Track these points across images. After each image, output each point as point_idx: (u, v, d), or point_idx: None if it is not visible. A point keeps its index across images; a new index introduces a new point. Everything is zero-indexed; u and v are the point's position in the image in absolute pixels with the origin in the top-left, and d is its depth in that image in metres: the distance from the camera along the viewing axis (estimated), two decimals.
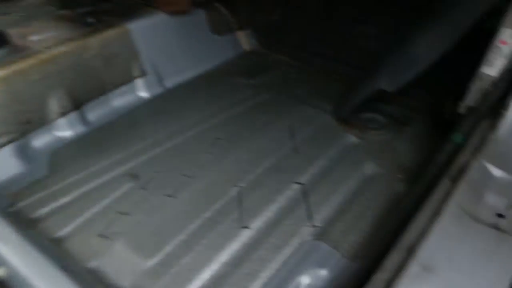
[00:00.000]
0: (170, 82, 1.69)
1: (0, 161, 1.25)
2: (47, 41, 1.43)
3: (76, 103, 1.44)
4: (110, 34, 1.52)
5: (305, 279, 0.92)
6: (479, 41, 1.16)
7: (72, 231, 1.06)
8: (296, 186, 1.16)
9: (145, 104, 1.59)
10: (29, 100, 1.33)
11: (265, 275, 0.93)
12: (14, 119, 1.30)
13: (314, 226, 1.04)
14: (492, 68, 1.14)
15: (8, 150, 1.28)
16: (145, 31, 1.61)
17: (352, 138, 1.33)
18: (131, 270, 0.95)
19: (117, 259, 0.98)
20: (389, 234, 0.80)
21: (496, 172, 0.87)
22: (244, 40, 2.00)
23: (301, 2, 1.91)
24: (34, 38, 1.47)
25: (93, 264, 0.96)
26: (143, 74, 1.61)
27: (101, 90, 1.51)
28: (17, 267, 0.83)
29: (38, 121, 1.36)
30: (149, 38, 1.63)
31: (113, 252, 1.00)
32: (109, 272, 0.95)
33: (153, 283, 0.92)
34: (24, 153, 1.31)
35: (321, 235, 1.02)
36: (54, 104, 1.39)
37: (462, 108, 1.20)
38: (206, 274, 0.94)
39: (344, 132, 1.36)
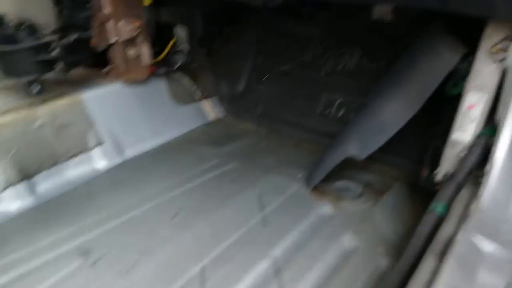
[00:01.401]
0: (130, 152, 1.60)
1: None
2: None
3: (24, 174, 1.32)
4: (61, 103, 1.45)
5: None
6: (448, 105, 1.15)
7: None
8: (266, 263, 1.04)
9: (102, 175, 1.47)
10: None
11: None
12: None
13: None
14: (465, 133, 1.12)
15: None
16: (100, 100, 1.55)
17: (326, 209, 1.25)
18: None
19: None
20: None
21: (487, 247, 0.79)
22: (209, 109, 1.96)
23: (266, 73, 1.91)
24: None
25: None
26: (99, 143, 1.52)
27: (53, 160, 1.40)
28: None
29: None
30: (105, 107, 1.56)
31: None
32: None
33: None
34: None
35: None
36: None
37: (439, 175, 1.15)
38: None
39: (317, 202, 1.27)
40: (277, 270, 1.02)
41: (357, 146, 1.23)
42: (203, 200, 1.30)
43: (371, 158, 1.22)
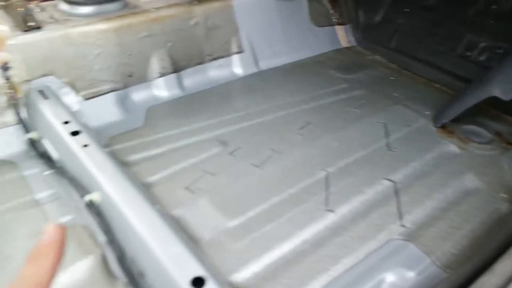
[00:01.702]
0: (264, 64, 1.69)
1: (102, 106, 1.31)
2: (156, 3, 1.48)
3: (175, 67, 1.48)
4: (214, 5, 1.55)
5: (389, 277, 0.87)
6: None
7: (160, 179, 1.08)
8: (387, 183, 1.10)
9: (238, 80, 1.60)
10: (135, 54, 1.38)
11: (347, 261, 0.89)
12: (120, 70, 1.35)
13: (403, 226, 0.98)
14: None
15: (110, 97, 1.34)
16: (247, 8, 1.63)
17: (452, 147, 1.25)
18: (213, 226, 0.95)
19: (200, 213, 0.98)
20: (489, 254, 0.73)
21: None
22: (342, 36, 1.96)
23: (407, 5, 1.84)
24: None
25: (177, 212, 0.97)
26: (240, 51, 1.63)
27: (200, 59, 1.54)
28: (110, 194, 0.86)
29: (140, 76, 1.41)
30: (250, 16, 1.64)
31: (197, 206, 1.00)
32: (191, 223, 0.95)
33: (233, 242, 0.91)
34: (124, 103, 1.36)
35: (411, 236, 0.95)
36: (155, 63, 1.43)
37: None
38: (286, 247, 0.91)
39: (443, 139, 1.28)
40: (396, 191, 1.08)
41: (501, 87, 1.18)
42: (330, 118, 1.37)
43: (506, 109, 1.18)
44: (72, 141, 0.99)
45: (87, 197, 0.88)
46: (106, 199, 0.87)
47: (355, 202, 1.04)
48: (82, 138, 1.00)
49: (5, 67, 1.15)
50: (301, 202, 1.02)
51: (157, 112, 1.37)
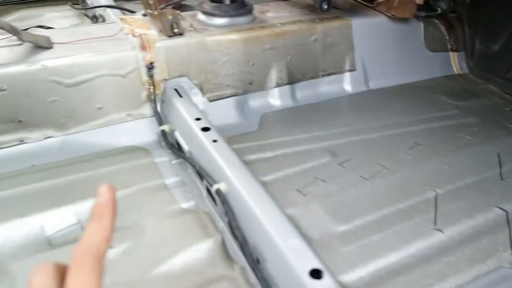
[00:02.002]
0: (373, 84, 1.73)
1: (223, 108, 1.44)
2: (281, 19, 1.60)
3: (291, 79, 1.58)
4: (334, 24, 1.63)
5: None
6: None
7: (274, 180, 1.17)
8: (499, 211, 1.09)
9: (347, 97, 1.66)
10: (257, 64, 1.50)
11: (454, 281, 0.90)
12: (242, 77, 1.48)
13: None
14: None
15: (231, 101, 1.47)
16: (364, 28, 1.68)
17: None
18: (322, 228, 1.01)
19: (311, 215, 1.05)
20: None
21: None
22: (455, 62, 1.94)
23: None
24: (270, 14, 1.65)
25: (289, 211, 1.05)
26: (352, 69, 1.69)
27: (314, 73, 1.63)
28: (235, 185, 0.95)
29: (259, 84, 1.53)
30: (366, 36, 1.69)
31: (308, 208, 1.07)
32: (302, 222, 1.02)
33: (342, 246, 0.97)
34: (242, 108, 1.48)
35: None
36: (274, 74, 1.54)
37: None
38: (392, 257, 0.95)
39: None
40: (508, 221, 1.06)
41: None
42: (439, 142, 1.37)
43: None
44: (203, 136, 1.11)
45: (215, 186, 0.99)
46: (232, 189, 0.97)
47: (464, 225, 1.04)
48: (212, 134, 1.12)
49: (150, 66, 1.32)
50: (409, 218, 1.05)
51: (270, 119, 1.47)
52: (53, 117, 1.26)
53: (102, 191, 0.45)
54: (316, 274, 0.75)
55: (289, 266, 0.78)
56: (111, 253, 0.94)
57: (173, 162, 1.23)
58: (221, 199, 0.97)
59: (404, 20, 1.76)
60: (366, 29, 1.68)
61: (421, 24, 1.83)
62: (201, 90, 1.41)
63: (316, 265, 0.76)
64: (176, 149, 1.23)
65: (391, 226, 1.02)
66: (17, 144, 1.23)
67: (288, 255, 0.79)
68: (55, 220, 1.02)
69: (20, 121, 1.22)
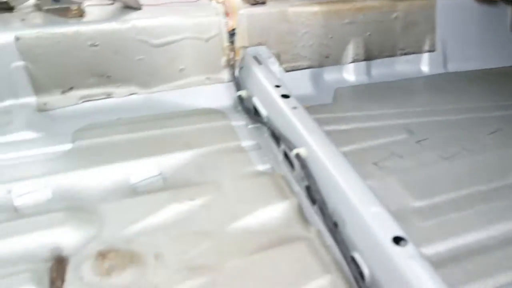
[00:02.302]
0: (452, 66, 1.68)
1: (298, 79, 1.45)
2: None
3: (367, 55, 1.56)
4: (418, 2, 1.58)
5: None
6: None
7: (349, 152, 1.18)
8: None
9: (424, 78, 1.62)
10: (335, 38, 1.49)
11: None
12: (319, 50, 1.48)
13: None
14: None
15: (306, 73, 1.47)
16: (449, 9, 1.63)
17: None
18: (399, 202, 1.01)
19: (387, 188, 1.05)
20: None
21: None
22: None
23: None
24: None
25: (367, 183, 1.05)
26: (431, 49, 1.64)
27: (391, 52, 1.60)
28: (316, 150, 0.97)
29: (335, 59, 1.52)
30: (450, 17, 1.64)
31: (385, 181, 1.07)
32: (378, 194, 1.01)
33: (419, 221, 0.96)
34: (317, 80, 1.48)
35: None
36: (351, 49, 1.53)
37: None
38: (471, 237, 0.93)
39: None
40: None
41: None
42: None
43: None
44: (283, 103, 1.13)
45: (295, 151, 1.01)
46: (312, 154, 0.98)
47: None
48: (291, 101, 1.13)
49: (232, 33, 1.34)
50: (490, 200, 1.02)
51: (344, 93, 1.47)
52: (138, 75, 1.32)
53: None
54: (399, 241, 0.75)
55: (371, 232, 0.78)
56: (192, 205, 0.99)
57: (249, 126, 1.25)
58: (300, 164, 0.99)
59: (491, 3, 1.68)
60: (451, 10, 1.62)
61: (509, 9, 1.74)
62: (278, 59, 1.42)
63: (399, 233, 0.77)
64: (252, 114, 1.26)
65: (471, 206, 1.00)
66: (105, 98, 1.30)
67: (370, 222, 0.80)
68: (139, 170, 1.08)
69: (108, 76, 1.29)
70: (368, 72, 1.56)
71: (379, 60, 1.58)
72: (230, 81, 1.37)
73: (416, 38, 1.60)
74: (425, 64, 1.64)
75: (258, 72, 1.27)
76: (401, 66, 1.61)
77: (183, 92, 1.35)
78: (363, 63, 1.55)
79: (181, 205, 0.99)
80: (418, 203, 1.01)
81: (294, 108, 1.11)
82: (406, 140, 1.23)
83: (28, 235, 0.90)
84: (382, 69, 1.58)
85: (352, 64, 1.53)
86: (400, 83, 1.56)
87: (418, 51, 1.62)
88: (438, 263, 0.88)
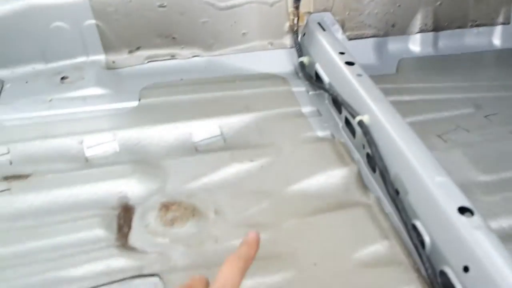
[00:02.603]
0: None
1: (361, 48, 1.42)
2: None
3: (436, 26, 1.50)
4: None
5: None
6: None
7: (412, 122, 1.09)
8: None
9: (495, 52, 1.54)
10: (403, 6, 1.44)
11: None
12: (385, 18, 1.43)
13: None
14: None
15: (370, 42, 1.44)
16: None
17: None
18: (463, 175, 0.99)
19: (452, 161, 1.03)
20: None
21: None
22: None
23: None
24: None
25: None
26: (506, 22, 1.55)
27: (462, 23, 1.52)
28: (380, 118, 0.96)
29: (401, 28, 1.47)
30: None
31: (449, 153, 1.05)
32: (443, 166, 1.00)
33: (483, 195, 0.94)
34: (380, 50, 1.45)
35: None
36: (418, 19, 1.47)
37: None
38: None
39: None
40: None
41: None
42: None
43: None
44: (347, 70, 1.11)
45: (358, 118, 1.00)
46: (375, 122, 0.97)
47: None
48: (356, 68, 1.11)
49: None
50: None
51: (409, 64, 1.43)
52: (202, 38, 1.34)
53: (251, 235, 0.59)
54: (464, 211, 0.74)
55: (435, 201, 0.77)
56: (251, 165, 1.01)
57: (310, 93, 1.25)
58: (362, 130, 0.98)
59: None
60: None
61: None
62: (342, 27, 1.40)
63: (465, 203, 0.75)
64: (314, 80, 1.25)
65: None
66: (169, 59, 1.33)
67: (435, 191, 0.78)
68: (201, 129, 1.11)
69: (173, 37, 1.31)
70: (435, 43, 1.50)
71: (447, 32, 1.51)
72: (293, 47, 1.37)
73: (490, 9, 1.51)
74: (497, 38, 1.55)
75: (322, 39, 1.25)
76: (471, 39, 1.54)
77: (245, 56, 1.36)
78: (431, 33, 1.49)
79: (241, 165, 1.01)
80: (483, 178, 0.98)
81: (359, 75, 1.09)
82: (473, 114, 1.18)
83: (98, 183, 0.95)
84: (450, 41, 1.52)
85: (418, 35, 1.48)
86: (468, 56, 1.49)
87: (491, 23, 1.54)
88: (501, 238, 0.86)
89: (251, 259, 0.57)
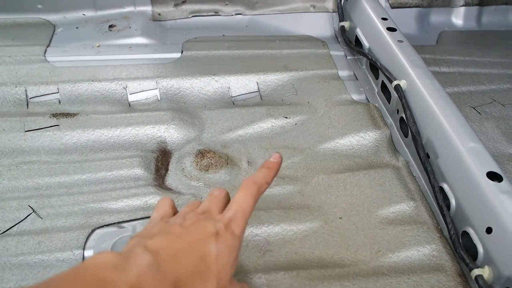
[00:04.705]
0: None
1: (404, 17, 1.41)
2: None
3: (481, 1, 1.47)
4: None
5: None
6: None
7: (448, 93, 1.14)
8: None
9: None
10: None
11: None
12: None
13: None
14: None
15: (413, 11, 1.44)
16: None
17: None
18: (494, 146, 1.00)
19: (484, 132, 1.04)
20: None
21: None
22: None
23: None
24: None
25: None
26: None
27: None
28: (417, 83, 0.97)
29: (445, 0, 1.45)
30: None
31: (482, 125, 1.06)
32: None
33: (510, 166, 0.95)
34: (422, 21, 1.44)
35: None
36: None
37: None
38: None
39: None
40: None
41: None
42: None
43: None
44: (389, 36, 1.12)
45: (395, 82, 1.01)
46: (412, 87, 0.98)
47: None
48: (397, 35, 1.12)
49: None
50: None
51: (449, 37, 1.41)
52: None
53: (275, 155, 0.63)
54: (494, 176, 0.76)
55: (466, 165, 0.79)
56: (286, 122, 1.04)
57: (348, 58, 1.26)
58: (399, 95, 0.99)
59: None
60: None
61: None
62: None
63: (495, 169, 0.77)
64: (353, 46, 1.26)
65: None
66: (212, 15, 1.36)
67: (466, 156, 0.80)
68: (240, 84, 1.15)
69: None
70: (478, 18, 1.47)
71: (493, 7, 1.48)
72: (335, 11, 1.37)
73: None
74: None
75: (365, 3, 1.25)
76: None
77: (286, 17, 1.37)
78: (475, 8, 1.46)
79: (276, 121, 1.05)
80: None
81: (400, 41, 1.10)
82: (510, 90, 1.18)
83: (139, 127, 1.01)
84: (494, 16, 1.49)
85: (463, 8, 1.46)
86: (511, 33, 1.46)
87: None
88: None
89: (267, 184, 0.58)
